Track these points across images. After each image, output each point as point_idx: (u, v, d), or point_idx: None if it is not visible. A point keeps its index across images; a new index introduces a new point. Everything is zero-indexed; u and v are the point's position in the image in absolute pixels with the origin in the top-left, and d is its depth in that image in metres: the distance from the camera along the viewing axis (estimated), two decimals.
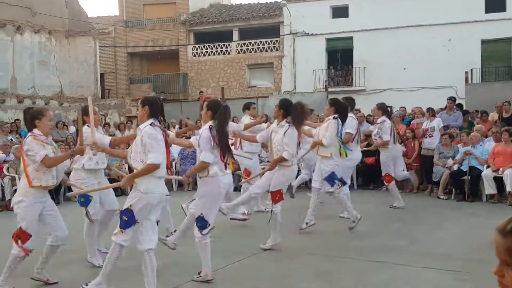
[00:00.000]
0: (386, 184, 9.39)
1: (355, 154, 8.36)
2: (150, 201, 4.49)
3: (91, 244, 5.99)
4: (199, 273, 5.25)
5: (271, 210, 6.37)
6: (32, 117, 5.12)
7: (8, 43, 18.44)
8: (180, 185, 13.36)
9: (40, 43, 19.77)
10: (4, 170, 10.95)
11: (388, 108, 9.30)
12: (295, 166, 6.53)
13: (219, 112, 5.06)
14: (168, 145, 4.69)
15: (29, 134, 5.07)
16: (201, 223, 5.11)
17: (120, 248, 4.56)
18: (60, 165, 5.16)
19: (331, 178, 7.28)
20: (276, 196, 6.33)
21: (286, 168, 6.32)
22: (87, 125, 5.67)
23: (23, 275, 5.26)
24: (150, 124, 4.50)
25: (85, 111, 5.64)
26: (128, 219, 4.45)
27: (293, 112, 6.25)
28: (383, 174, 9.27)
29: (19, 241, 4.92)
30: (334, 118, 7.22)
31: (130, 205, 4.46)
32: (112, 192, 6.23)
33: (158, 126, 4.57)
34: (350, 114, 7.94)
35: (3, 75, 18.31)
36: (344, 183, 8.01)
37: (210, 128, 4.99)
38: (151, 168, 4.42)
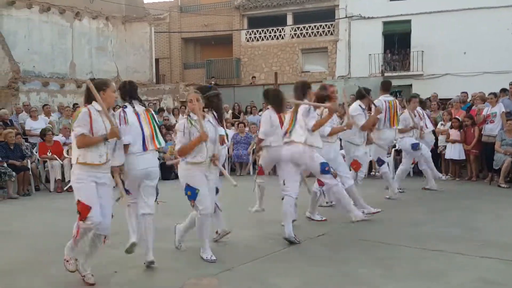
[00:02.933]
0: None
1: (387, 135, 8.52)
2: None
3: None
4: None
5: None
6: (96, 89, 4.63)
7: (67, 29, 18.97)
8: (232, 169, 13.42)
9: (98, 29, 20.24)
10: (64, 153, 11.32)
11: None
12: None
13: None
14: (151, 123, 5.20)
15: (85, 107, 4.66)
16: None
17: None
18: (118, 147, 4.83)
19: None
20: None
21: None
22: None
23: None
24: (121, 108, 5.07)
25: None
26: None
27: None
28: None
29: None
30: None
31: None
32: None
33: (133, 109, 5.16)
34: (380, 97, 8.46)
35: (63, 60, 18.87)
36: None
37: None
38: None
